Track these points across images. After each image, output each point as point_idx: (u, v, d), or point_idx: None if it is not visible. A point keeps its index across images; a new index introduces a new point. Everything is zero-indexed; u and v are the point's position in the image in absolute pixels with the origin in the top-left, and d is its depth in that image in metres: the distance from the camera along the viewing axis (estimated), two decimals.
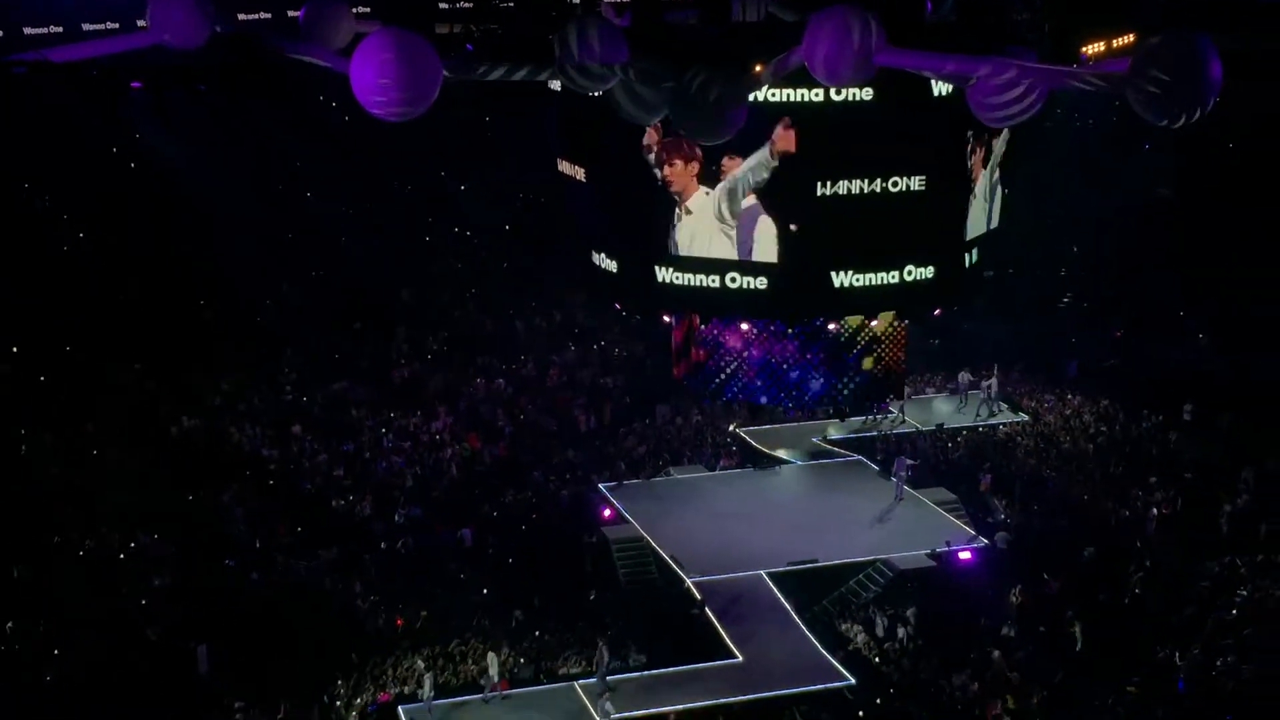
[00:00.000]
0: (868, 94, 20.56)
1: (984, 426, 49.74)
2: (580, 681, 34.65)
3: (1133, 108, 13.23)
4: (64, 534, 39.53)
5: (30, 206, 50.39)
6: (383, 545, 40.67)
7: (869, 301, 23.86)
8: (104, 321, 48.02)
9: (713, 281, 23.17)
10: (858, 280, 23.00)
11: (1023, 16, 22.53)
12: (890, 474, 45.60)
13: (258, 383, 49.86)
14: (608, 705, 33.26)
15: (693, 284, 23.38)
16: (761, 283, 22.93)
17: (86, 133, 47.88)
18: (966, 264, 24.49)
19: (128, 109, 48.19)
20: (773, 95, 20.84)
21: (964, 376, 51.91)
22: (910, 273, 23.18)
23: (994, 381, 51.34)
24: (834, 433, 49.57)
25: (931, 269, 23.38)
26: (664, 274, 23.45)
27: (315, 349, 51.94)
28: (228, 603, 37.38)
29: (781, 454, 48.59)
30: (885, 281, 23.20)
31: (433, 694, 33.56)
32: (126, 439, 44.62)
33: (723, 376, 27.80)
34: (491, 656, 34.84)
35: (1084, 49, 24.00)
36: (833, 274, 22.83)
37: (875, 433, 49.15)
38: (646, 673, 35.25)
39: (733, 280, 23.08)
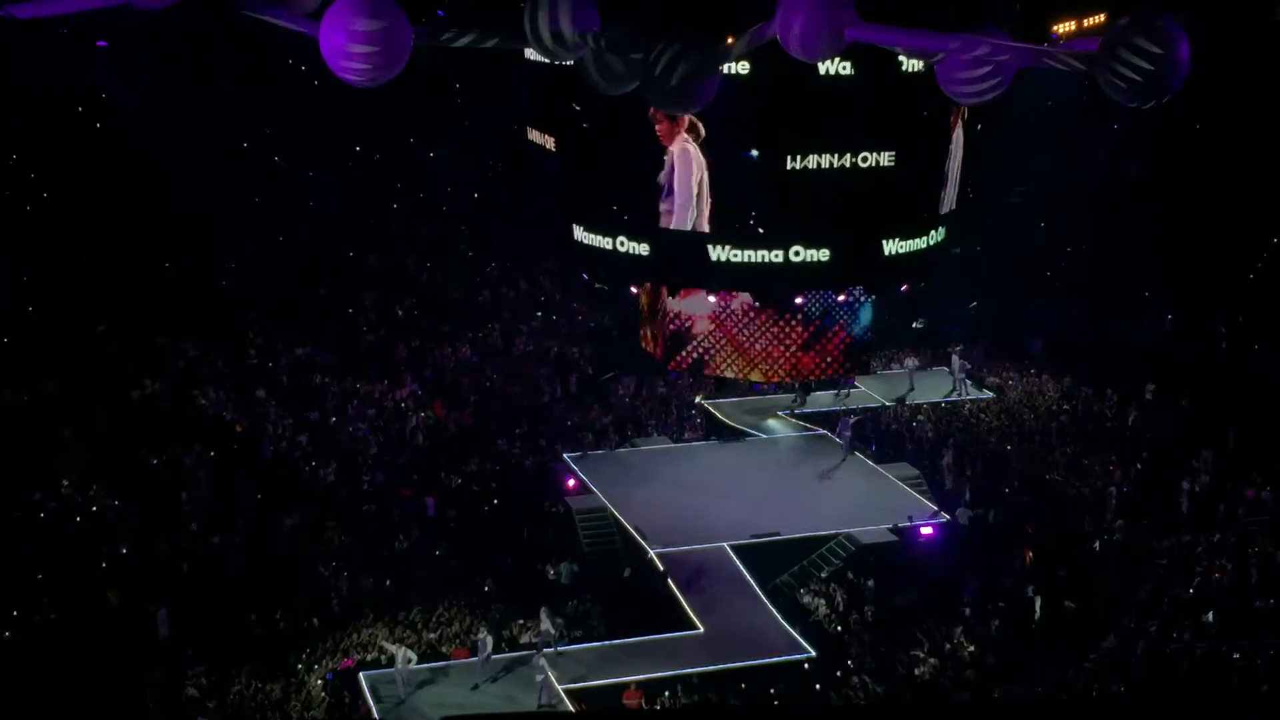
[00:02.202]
0: (843, 69, 20.62)
1: (946, 402, 49.98)
2: (543, 650, 34.72)
3: (1101, 88, 13.26)
4: (24, 495, 39.25)
5: None
6: (346, 512, 40.62)
7: (747, 278, 23.87)
8: (67, 281, 47.64)
9: (605, 244, 23.27)
10: (735, 255, 23.03)
11: None
12: (836, 435, 46.58)
13: (222, 346, 49.57)
14: (540, 661, 33.29)
15: (598, 245, 23.50)
16: (644, 249, 23.04)
17: (51, 90, 47.37)
18: (887, 250, 24.39)
19: (93, 67, 47.71)
20: (744, 69, 20.87)
21: (910, 361, 51.81)
22: (797, 253, 23.16)
23: (960, 361, 51.51)
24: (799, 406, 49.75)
25: (826, 251, 23.32)
26: (579, 234, 23.55)
27: (280, 313, 51.65)
28: (189, 567, 37.28)
29: (746, 427, 48.75)
30: (767, 260, 23.17)
31: (410, 662, 33.23)
32: (88, 400, 44.31)
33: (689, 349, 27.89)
34: (543, 612, 34.85)
35: (1055, 28, 24.12)
36: (710, 247, 22.88)
37: (839, 407, 49.37)
38: (608, 643, 35.37)
39: (622, 244, 23.17)
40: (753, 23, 14.83)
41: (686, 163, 22.69)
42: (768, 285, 24.98)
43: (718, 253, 23.07)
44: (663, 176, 22.90)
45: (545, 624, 34.64)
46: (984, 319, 55.36)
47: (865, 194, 22.87)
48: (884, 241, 23.73)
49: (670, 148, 22.81)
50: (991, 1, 21.42)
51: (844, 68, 20.81)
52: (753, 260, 23.06)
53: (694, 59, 15.43)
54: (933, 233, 24.25)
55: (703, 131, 22.11)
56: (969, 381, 51.08)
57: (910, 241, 24.20)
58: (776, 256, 22.98)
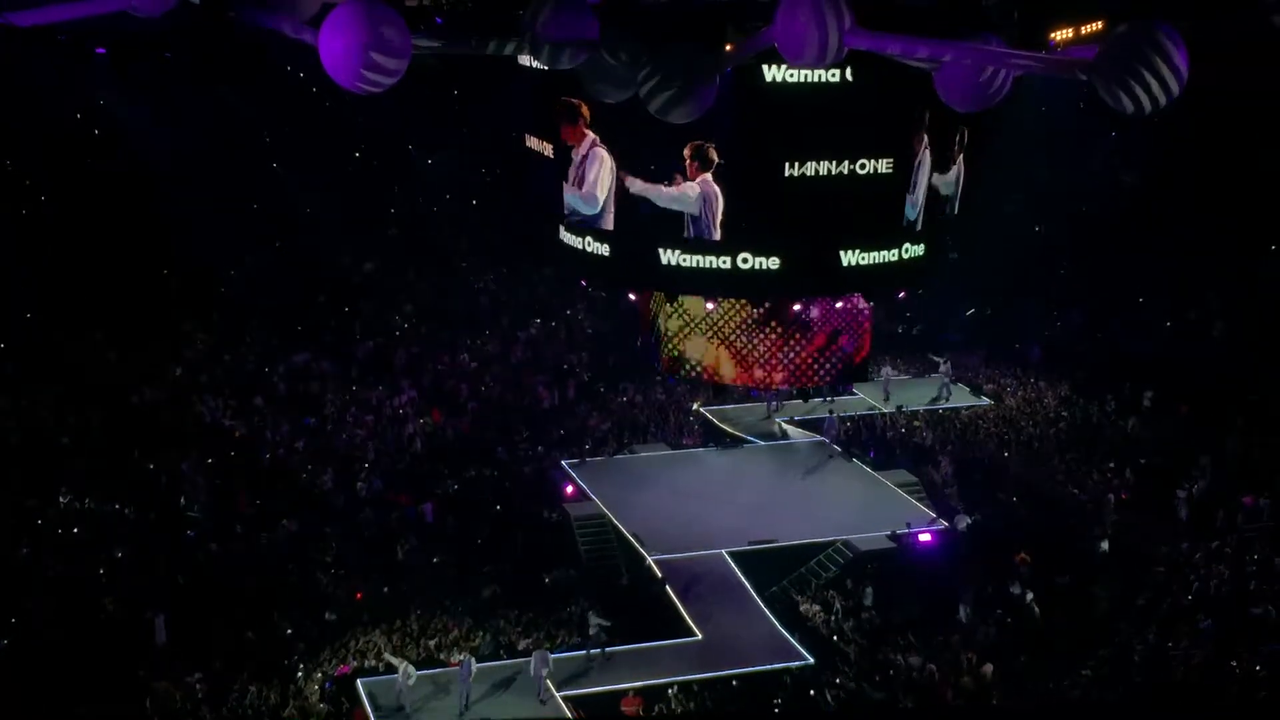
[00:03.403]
0: (841, 75, 20.56)
1: (943, 409, 49.99)
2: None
3: (1099, 95, 13.29)
4: (22, 503, 39.21)
5: None
6: (344, 519, 40.61)
7: (696, 283, 23.73)
8: (66, 289, 47.63)
9: (577, 243, 23.19)
10: (684, 260, 22.97)
11: (991, 1, 22.53)
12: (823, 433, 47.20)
13: (220, 353, 49.54)
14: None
15: (574, 246, 23.46)
16: (605, 249, 22.98)
17: (49, 98, 47.33)
18: (845, 261, 24.09)
19: (92, 75, 47.67)
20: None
21: (886, 370, 51.70)
22: (745, 260, 22.97)
23: (947, 365, 51.55)
24: (797, 413, 49.72)
25: (776, 259, 23.06)
26: (670, 257, 23.38)
27: (278, 321, 51.64)
28: (186, 573, 37.24)
29: (744, 434, 48.75)
30: (714, 266, 23.04)
31: (409, 678, 32.98)
32: (87, 407, 44.27)
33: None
34: (592, 614, 35.35)
35: (1052, 35, 24.02)
36: (660, 251, 22.81)
37: (825, 414, 49.29)
38: (606, 649, 35.33)
39: (589, 244, 23.12)
40: (752, 29, 14.87)
41: (595, 162, 22.66)
42: (716, 291, 24.86)
43: (668, 257, 23.00)
44: (571, 174, 22.85)
45: (594, 628, 35.10)
46: (982, 326, 55.37)
47: (859, 201, 22.71)
48: (842, 252, 23.27)
49: (578, 148, 22.78)
50: (989, 9, 21.39)
51: (837, 74, 20.74)
52: (700, 266, 22.88)
53: (693, 66, 15.47)
54: (909, 246, 23.70)
55: (714, 157, 21.97)
56: (951, 386, 51.06)
57: (874, 254, 23.65)
58: (724, 263, 22.77)
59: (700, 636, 36.21)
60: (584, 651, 34.96)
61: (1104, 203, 54.54)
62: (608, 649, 35.06)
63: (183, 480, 41.66)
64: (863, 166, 22.25)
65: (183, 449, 43.16)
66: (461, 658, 33.64)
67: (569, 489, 43.29)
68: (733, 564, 39.50)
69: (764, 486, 45.05)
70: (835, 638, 36.24)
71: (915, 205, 23.81)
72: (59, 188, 49.88)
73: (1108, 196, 54.60)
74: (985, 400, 50.73)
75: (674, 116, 15.99)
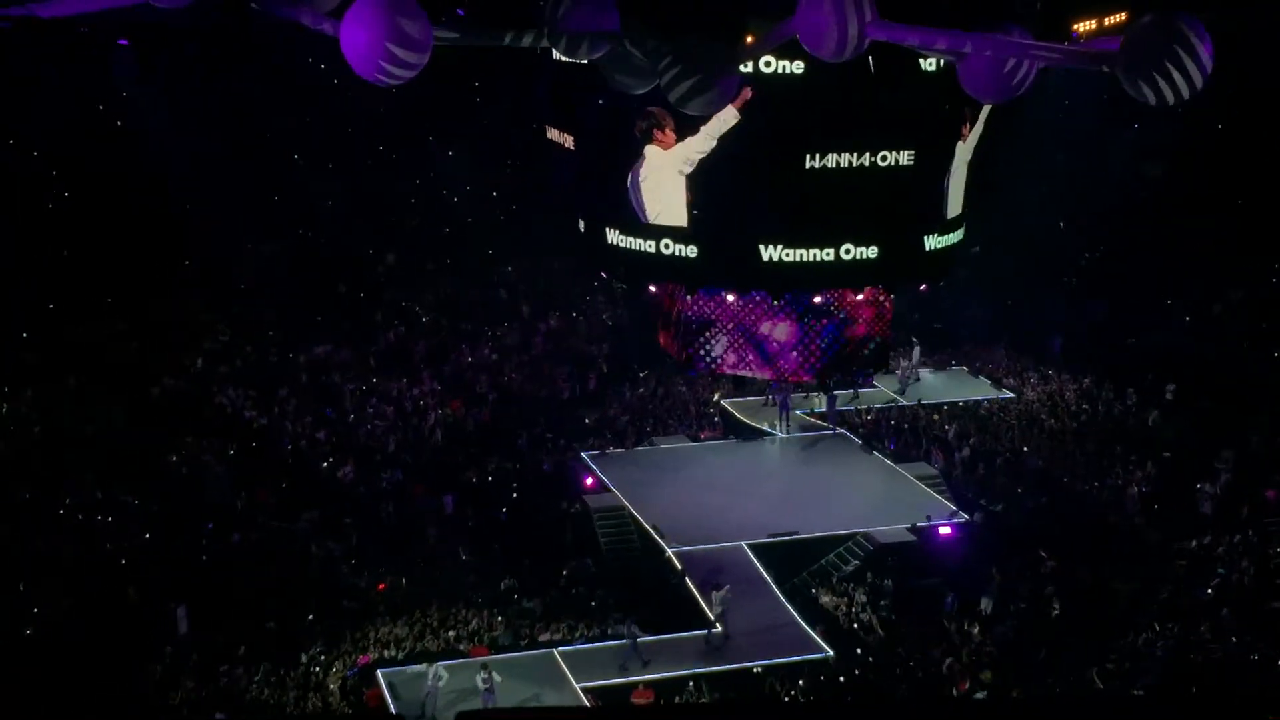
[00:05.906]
0: (863, 67, 20.51)
1: (963, 402, 49.82)
2: (560, 649, 34.76)
3: (1123, 87, 13.22)
4: (44, 492, 39.39)
5: (14, 163, 50.10)
6: (365, 511, 40.70)
7: (634, 265, 23.91)
8: (88, 280, 47.82)
9: (649, 247, 23.24)
10: (622, 241, 23.16)
11: None
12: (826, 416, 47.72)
13: (241, 344, 49.67)
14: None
15: (638, 249, 23.45)
16: (693, 251, 22.94)
17: (72, 89, 47.49)
18: (928, 245, 24.05)
19: (114, 66, 47.80)
20: (765, 67, 20.84)
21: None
22: (667, 245, 23.04)
23: (915, 356, 51.37)
24: (817, 405, 49.60)
25: (875, 248, 22.97)
26: (613, 236, 23.57)
27: (299, 312, 51.74)
28: (208, 564, 37.37)
29: (764, 425, 48.68)
30: (642, 249, 23.17)
31: (440, 680, 32.42)
32: (109, 398, 44.44)
33: (706, 348, 27.78)
34: (714, 594, 35.57)
35: (1076, 27, 23.93)
36: (761, 247, 22.76)
37: (852, 406, 49.24)
38: (625, 641, 35.34)
39: (665, 247, 23.09)
40: (774, 21, 14.84)
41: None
42: (646, 274, 24.99)
43: (613, 237, 23.18)
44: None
45: (718, 607, 35.31)
46: (1003, 319, 55.18)
47: (881, 193, 22.62)
48: (761, 246, 23.04)
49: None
50: (1013, 0, 21.32)
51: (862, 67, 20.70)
52: (633, 248, 23.13)
53: (713, 58, 15.45)
54: (850, 247, 23.38)
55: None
56: (911, 378, 50.92)
57: (801, 251, 23.30)
58: (649, 247, 22.99)
59: (720, 629, 36.20)
60: (705, 631, 35.32)
61: (1126, 195, 54.31)
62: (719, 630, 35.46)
63: (204, 471, 41.77)
64: (884, 159, 22.22)
65: (204, 440, 43.28)
66: (483, 675, 32.58)
67: (588, 480, 43.29)
68: (753, 556, 39.46)
69: (784, 479, 45.01)
70: (857, 627, 36.20)
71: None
72: (80, 178, 50.06)
73: (1130, 189, 54.37)
74: (1007, 394, 50.58)
75: (695, 107, 15.99)
